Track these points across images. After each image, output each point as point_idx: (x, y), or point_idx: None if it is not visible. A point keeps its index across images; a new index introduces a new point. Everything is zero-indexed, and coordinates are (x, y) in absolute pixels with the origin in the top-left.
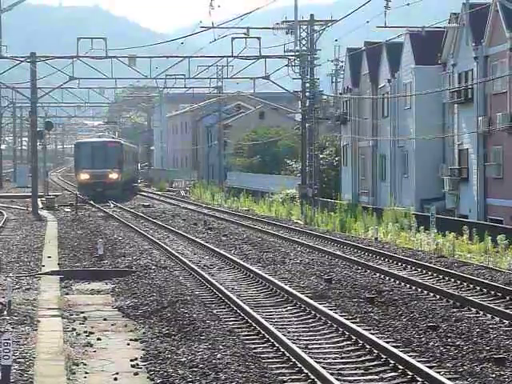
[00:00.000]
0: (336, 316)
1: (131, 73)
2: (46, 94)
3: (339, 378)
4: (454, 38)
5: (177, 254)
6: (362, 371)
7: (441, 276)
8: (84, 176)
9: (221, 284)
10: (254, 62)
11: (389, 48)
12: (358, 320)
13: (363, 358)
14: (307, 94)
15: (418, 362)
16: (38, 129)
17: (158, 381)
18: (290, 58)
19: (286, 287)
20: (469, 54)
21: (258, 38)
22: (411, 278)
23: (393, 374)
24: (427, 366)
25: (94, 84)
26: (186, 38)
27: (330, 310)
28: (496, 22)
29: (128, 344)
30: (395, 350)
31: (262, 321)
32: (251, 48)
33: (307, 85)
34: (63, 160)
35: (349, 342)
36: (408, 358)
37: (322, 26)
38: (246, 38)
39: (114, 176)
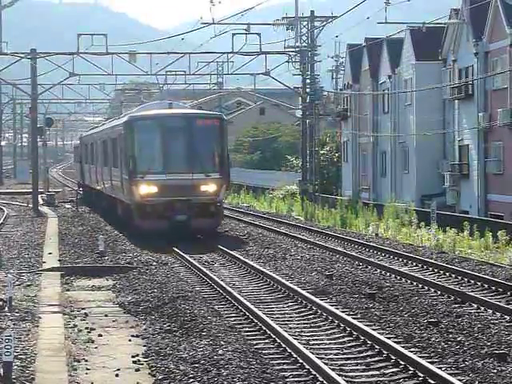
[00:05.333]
0: (337, 312)
1: (132, 69)
2: (46, 90)
3: (341, 373)
4: (455, 34)
5: (177, 250)
6: (364, 367)
7: (442, 272)
8: (147, 189)
9: (222, 280)
10: (254, 58)
11: (389, 44)
12: (359, 316)
13: (364, 354)
14: (308, 90)
15: (420, 357)
16: (39, 125)
17: (160, 377)
18: (291, 54)
19: (287, 283)
20: (469, 49)
21: (259, 34)
22: (412, 273)
23: (394, 369)
24: (428, 362)
25: (95, 80)
26: (186, 34)
27: (331, 305)
28: (496, 18)
29: (129, 340)
30: (396, 346)
31: (264, 317)
32: (251, 44)
33: (307, 81)
34: (64, 156)
35: (350, 338)
36: (409, 354)
37: (323, 21)
38: (246, 34)
39: (211, 188)
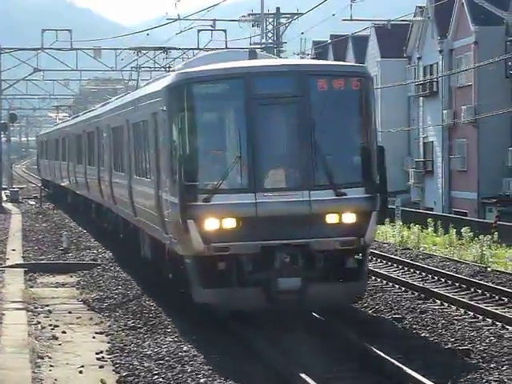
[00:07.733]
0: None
1: (97, 64)
2: (10, 85)
3: (306, 370)
4: (420, 32)
5: None
6: (328, 363)
7: (406, 268)
8: (216, 224)
9: None
10: None
11: (355, 41)
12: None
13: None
14: None
15: (384, 353)
16: (2, 121)
17: (124, 373)
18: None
19: None
20: (434, 47)
21: (224, 31)
22: (376, 270)
23: (358, 365)
24: (393, 358)
25: (59, 76)
26: (151, 29)
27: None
28: (461, 16)
29: (93, 337)
30: (361, 342)
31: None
32: (217, 40)
33: None
34: (27, 152)
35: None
36: (374, 350)
37: (288, 18)
38: (212, 30)
39: (349, 219)
